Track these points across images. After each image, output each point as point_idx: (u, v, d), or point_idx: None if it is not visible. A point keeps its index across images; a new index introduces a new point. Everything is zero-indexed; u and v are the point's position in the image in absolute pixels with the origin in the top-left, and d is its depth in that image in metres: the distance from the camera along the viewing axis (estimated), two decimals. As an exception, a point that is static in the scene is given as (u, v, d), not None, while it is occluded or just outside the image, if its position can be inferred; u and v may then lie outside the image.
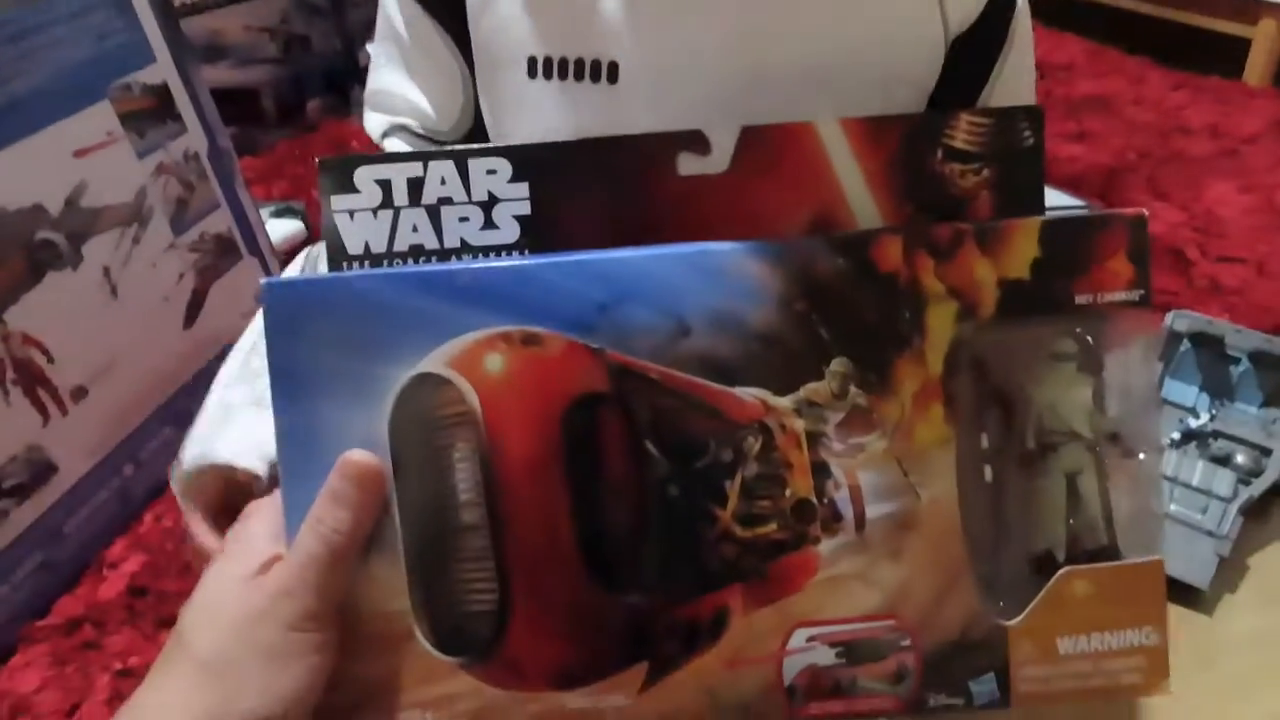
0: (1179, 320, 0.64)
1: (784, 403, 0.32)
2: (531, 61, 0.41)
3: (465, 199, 0.38)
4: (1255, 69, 1.26)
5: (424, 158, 0.38)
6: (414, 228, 0.38)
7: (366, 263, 0.38)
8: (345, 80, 1.40)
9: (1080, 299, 0.32)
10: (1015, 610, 0.32)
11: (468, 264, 0.32)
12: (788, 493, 0.32)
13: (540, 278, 0.31)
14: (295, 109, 1.38)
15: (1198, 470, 0.57)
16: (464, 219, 0.38)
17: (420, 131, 0.48)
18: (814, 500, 0.32)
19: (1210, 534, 0.54)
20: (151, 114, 0.80)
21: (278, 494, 0.32)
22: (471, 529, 0.32)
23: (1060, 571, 0.32)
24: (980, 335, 0.32)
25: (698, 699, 0.32)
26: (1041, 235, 0.32)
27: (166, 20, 0.81)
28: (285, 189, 1.22)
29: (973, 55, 0.43)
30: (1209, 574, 0.53)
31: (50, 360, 0.70)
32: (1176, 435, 0.61)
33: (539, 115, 0.42)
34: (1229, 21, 1.27)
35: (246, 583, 0.30)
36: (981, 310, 0.32)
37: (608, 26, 0.40)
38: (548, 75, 0.41)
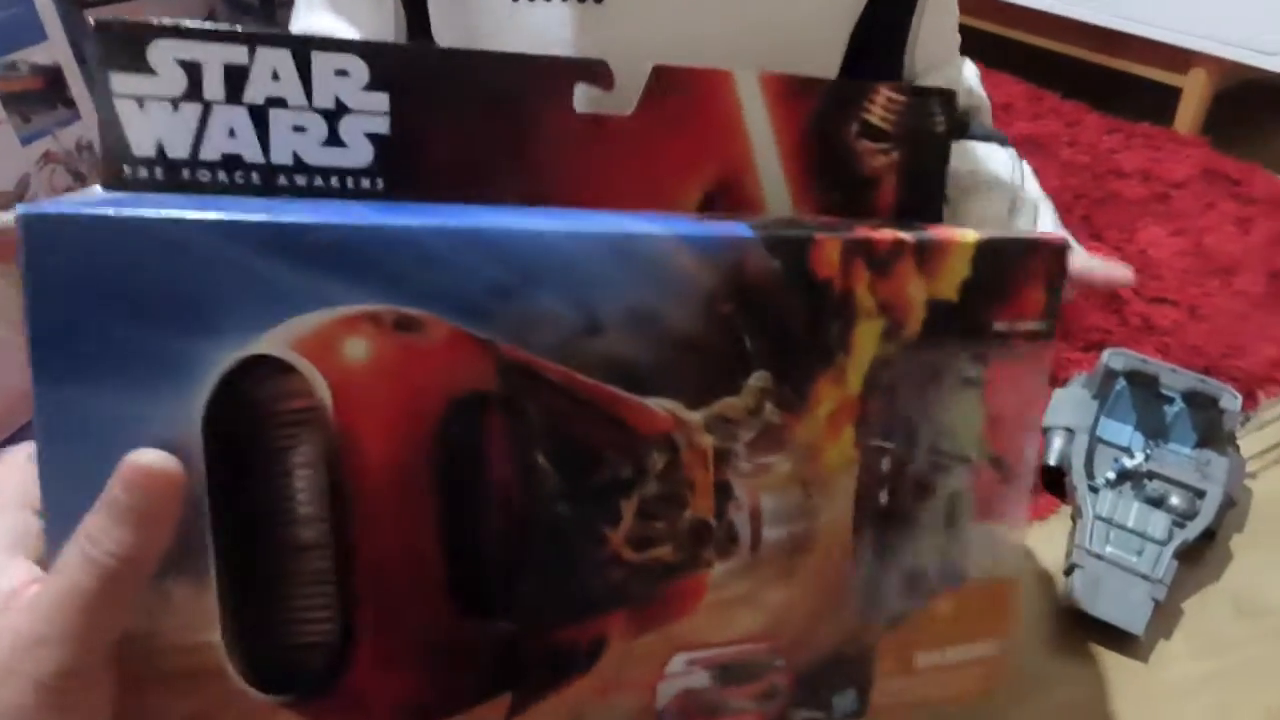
0: (1115, 358, 0.61)
1: (695, 417, 0.28)
2: None
3: (304, 103, 0.29)
4: (1185, 117, 1.26)
5: (251, 40, 0.28)
6: (231, 132, 0.29)
7: (159, 170, 0.29)
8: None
9: (998, 326, 0.31)
10: (884, 626, 0.32)
11: (327, 217, 0.24)
12: (686, 514, 0.28)
13: (425, 245, 0.25)
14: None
15: (1133, 512, 0.54)
16: (300, 128, 0.29)
17: None
18: (711, 522, 0.29)
19: (1145, 577, 0.52)
20: (39, 96, 0.73)
21: (35, 477, 0.24)
22: (310, 548, 0.25)
23: (931, 590, 0.32)
24: (901, 356, 0.30)
25: (562, 726, 0.29)
26: (975, 255, 0.30)
27: (61, -4, 0.70)
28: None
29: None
30: (1144, 619, 0.51)
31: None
32: (1112, 475, 0.58)
33: (531, 40, 0.40)
34: (1160, 70, 1.27)
35: (-14, 625, 0.22)
36: (907, 330, 0.30)
37: None
38: None
